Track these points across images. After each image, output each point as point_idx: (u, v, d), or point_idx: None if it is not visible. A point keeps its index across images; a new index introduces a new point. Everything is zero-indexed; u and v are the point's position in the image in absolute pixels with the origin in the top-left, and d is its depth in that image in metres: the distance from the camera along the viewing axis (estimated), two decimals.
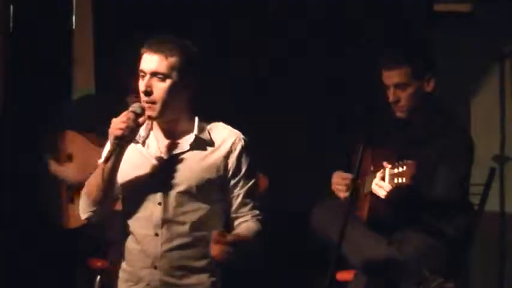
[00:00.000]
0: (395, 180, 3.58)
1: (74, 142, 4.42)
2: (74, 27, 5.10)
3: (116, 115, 3.22)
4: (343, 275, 4.03)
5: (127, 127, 3.16)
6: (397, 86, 3.91)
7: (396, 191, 3.67)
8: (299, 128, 4.96)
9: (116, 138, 3.17)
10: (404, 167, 3.56)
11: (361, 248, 3.85)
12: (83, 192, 3.30)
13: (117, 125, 3.17)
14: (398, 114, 3.95)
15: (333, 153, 4.66)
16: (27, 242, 4.68)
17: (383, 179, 3.66)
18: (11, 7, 4.91)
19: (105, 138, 3.30)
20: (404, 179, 3.55)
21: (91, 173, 3.32)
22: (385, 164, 3.66)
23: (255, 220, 3.32)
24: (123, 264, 3.37)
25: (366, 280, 3.86)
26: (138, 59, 3.27)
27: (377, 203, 3.77)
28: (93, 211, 3.29)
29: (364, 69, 4.87)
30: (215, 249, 3.11)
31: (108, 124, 3.23)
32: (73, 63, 5.09)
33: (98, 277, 4.24)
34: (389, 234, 3.89)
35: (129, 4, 4.98)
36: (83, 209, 3.31)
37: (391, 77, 3.91)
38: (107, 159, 3.18)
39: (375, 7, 4.94)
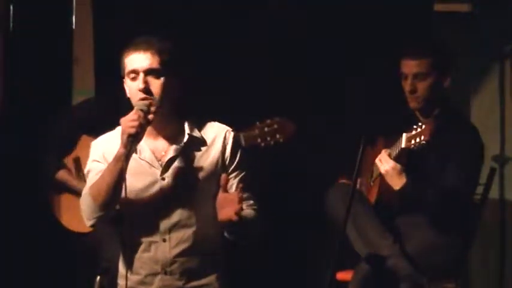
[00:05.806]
0: (412, 141, 3.61)
1: (83, 146, 4.39)
2: (74, 27, 5.11)
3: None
4: (343, 275, 4.03)
5: (139, 125, 3.13)
6: (416, 76, 3.91)
7: (404, 186, 3.72)
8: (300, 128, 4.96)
9: (130, 136, 3.12)
10: (423, 126, 3.61)
11: (367, 239, 3.87)
12: (88, 197, 3.19)
13: (130, 123, 3.13)
14: (413, 104, 3.95)
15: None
16: (27, 242, 4.69)
17: (389, 155, 3.74)
18: (11, 7, 4.91)
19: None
20: (422, 137, 3.59)
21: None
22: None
23: (250, 209, 3.28)
24: (126, 273, 3.27)
25: (362, 279, 3.87)
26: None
27: (386, 188, 3.81)
28: (98, 217, 3.19)
29: (365, 69, 4.89)
30: (229, 211, 3.09)
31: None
32: (73, 63, 5.09)
33: (98, 277, 4.23)
34: (394, 219, 3.93)
35: (129, 4, 4.98)
36: (89, 215, 3.20)
37: (411, 67, 3.92)
38: (125, 154, 3.11)
39: (375, 7, 4.93)
